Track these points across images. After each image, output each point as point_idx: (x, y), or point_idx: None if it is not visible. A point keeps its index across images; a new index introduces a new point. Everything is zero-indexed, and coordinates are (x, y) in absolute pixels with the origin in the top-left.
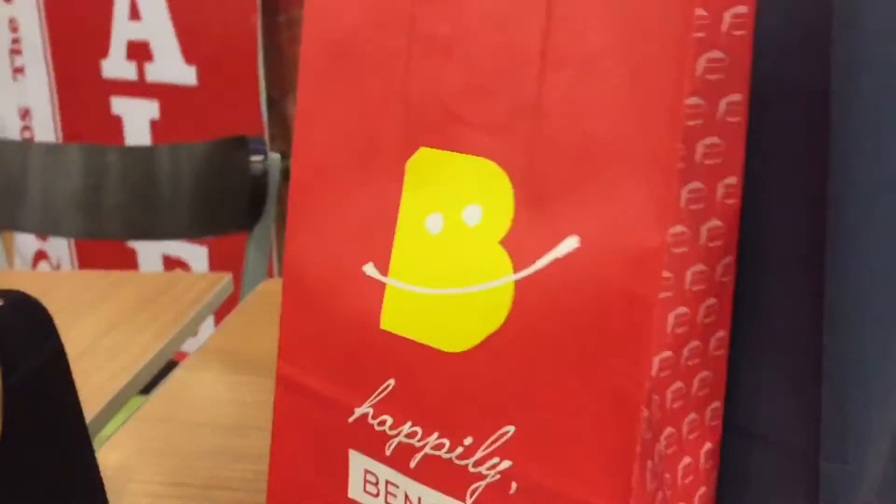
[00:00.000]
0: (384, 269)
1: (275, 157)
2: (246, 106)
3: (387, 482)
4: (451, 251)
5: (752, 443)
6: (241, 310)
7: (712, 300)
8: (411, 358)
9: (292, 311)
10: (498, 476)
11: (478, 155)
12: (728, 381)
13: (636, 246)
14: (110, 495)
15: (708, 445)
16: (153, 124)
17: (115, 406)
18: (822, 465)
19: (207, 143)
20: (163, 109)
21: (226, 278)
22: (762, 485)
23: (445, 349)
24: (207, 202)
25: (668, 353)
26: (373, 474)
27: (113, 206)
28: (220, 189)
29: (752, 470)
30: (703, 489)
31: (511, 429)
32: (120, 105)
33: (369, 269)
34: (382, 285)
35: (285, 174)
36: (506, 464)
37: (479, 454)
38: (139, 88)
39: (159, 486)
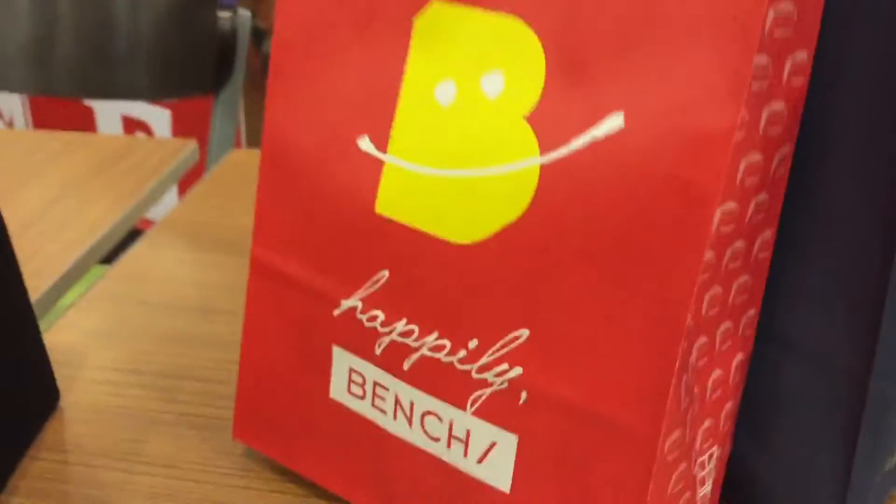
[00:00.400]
0: (382, 145)
1: (244, 13)
2: None
3: (375, 384)
4: (464, 126)
5: (792, 355)
6: (207, 181)
7: (764, 196)
8: (410, 248)
9: (270, 188)
10: (505, 384)
11: (503, 11)
12: (768, 286)
13: (699, 126)
14: (60, 381)
15: (739, 357)
16: None
17: (68, 279)
18: (871, 383)
19: None
20: None
21: (190, 145)
22: (800, 400)
23: (451, 240)
24: (169, 60)
25: (710, 255)
26: (359, 374)
27: (65, 60)
28: (184, 46)
29: (789, 383)
30: (729, 404)
31: (525, 332)
32: None
33: (364, 144)
34: (380, 163)
35: (255, 35)
36: (516, 371)
37: (484, 359)
38: None
39: (114, 373)
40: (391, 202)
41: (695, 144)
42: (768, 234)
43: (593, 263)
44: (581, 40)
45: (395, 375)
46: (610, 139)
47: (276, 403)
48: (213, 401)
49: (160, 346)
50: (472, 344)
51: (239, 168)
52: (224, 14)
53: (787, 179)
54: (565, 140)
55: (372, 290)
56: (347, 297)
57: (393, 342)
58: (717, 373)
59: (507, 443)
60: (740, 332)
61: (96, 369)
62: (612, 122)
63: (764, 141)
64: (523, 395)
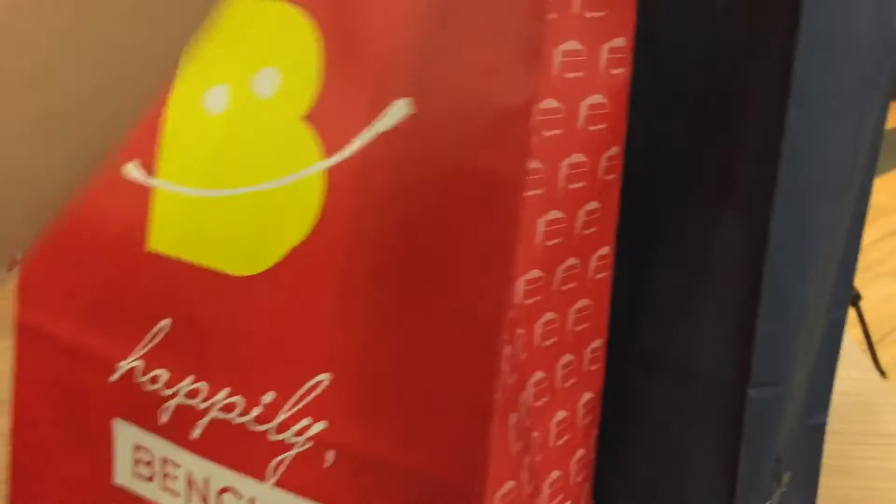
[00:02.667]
0: (151, 169)
1: None
2: None
3: (163, 460)
4: (237, 135)
5: (661, 375)
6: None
7: (594, 204)
8: (189, 288)
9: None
10: (309, 444)
11: None
12: (630, 308)
13: (495, 106)
14: None
15: (587, 396)
16: None
17: None
18: (750, 391)
19: None
20: None
21: None
22: (672, 424)
23: (234, 272)
24: None
25: (537, 273)
26: (145, 450)
27: None
28: None
29: (660, 407)
30: (581, 452)
31: (325, 377)
32: None
33: (132, 171)
34: (148, 190)
35: None
36: (319, 426)
37: (282, 415)
38: None
39: None
40: (164, 235)
41: (492, 127)
42: (605, 251)
43: (393, 285)
44: (360, 19)
45: (184, 447)
46: (399, 131)
47: (52, 499)
48: None
49: None
50: (268, 398)
51: None
52: None
53: (619, 188)
54: (349, 138)
55: (152, 344)
56: (125, 357)
57: (179, 406)
58: (560, 414)
59: None
60: (584, 366)
61: None
62: (399, 110)
63: (586, 138)
64: (330, 455)
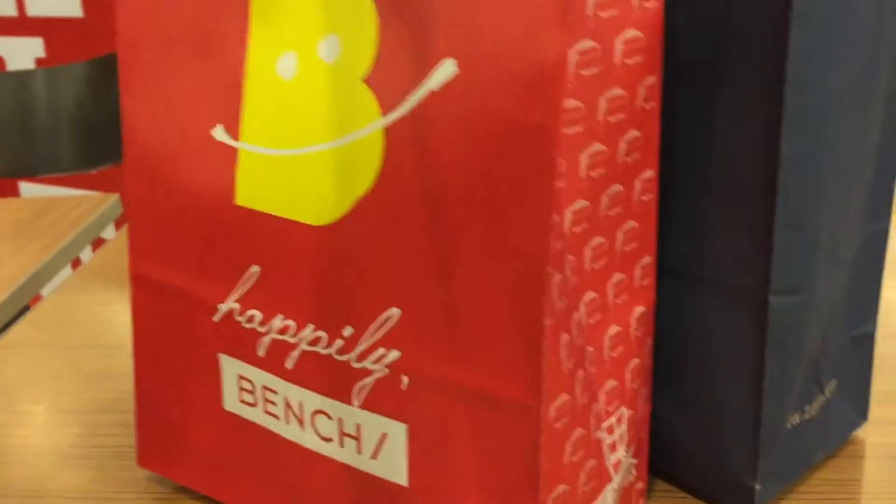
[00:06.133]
0: (236, 132)
1: None
2: None
3: (263, 388)
4: (307, 98)
5: (692, 287)
6: (124, 231)
7: (635, 133)
8: (274, 237)
9: (138, 196)
10: (386, 370)
11: None
12: (663, 228)
13: (531, 63)
14: None
15: (640, 309)
16: (39, 63)
17: None
18: (772, 299)
19: (88, 62)
20: (48, 46)
21: (111, 198)
22: (702, 333)
23: (311, 222)
24: (94, 129)
25: (583, 203)
26: (247, 380)
27: None
28: (108, 112)
29: (691, 318)
30: (635, 361)
31: (396, 312)
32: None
33: (219, 133)
34: (234, 151)
35: None
36: (393, 354)
37: (361, 346)
38: (20, 25)
39: (36, 415)
40: (249, 191)
41: (529, 82)
42: (649, 174)
43: (450, 226)
44: None
45: (280, 376)
46: (446, 89)
47: (173, 423)
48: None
49: (80, 384)
50: (347, 332)
51: None
52: None
53: (658, 114)
54: (403, 97)
55: (245, 288)
56: (224, 299)
57: (273, 341)
58: (613, 329)
59: (398, 433)
60: (636, 282)
61: (14, 413)
62: (445, 71)
63: (624, 72)
64: (405, 379)
